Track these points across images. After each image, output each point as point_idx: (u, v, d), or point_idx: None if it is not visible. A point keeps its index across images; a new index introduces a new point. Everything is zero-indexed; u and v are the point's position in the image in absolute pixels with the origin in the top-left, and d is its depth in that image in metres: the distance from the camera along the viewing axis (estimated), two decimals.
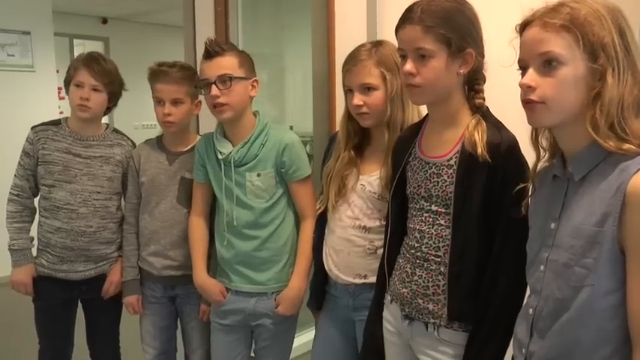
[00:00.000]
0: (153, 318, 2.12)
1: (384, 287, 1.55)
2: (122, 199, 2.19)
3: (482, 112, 1.39)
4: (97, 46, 7.52)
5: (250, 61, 1.89)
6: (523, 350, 1.15)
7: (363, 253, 1.71)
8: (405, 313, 1.46)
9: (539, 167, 1.19)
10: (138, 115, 7.59)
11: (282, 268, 1.90)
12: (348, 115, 1.71)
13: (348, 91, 1.68)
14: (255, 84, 1.88)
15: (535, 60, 1.05)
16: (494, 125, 1.36)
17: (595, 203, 1.01)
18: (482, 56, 1.38)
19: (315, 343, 1.87)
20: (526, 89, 1.06)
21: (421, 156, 1.47)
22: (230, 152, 1.87)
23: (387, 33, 1.89)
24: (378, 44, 1.68)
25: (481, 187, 1.32)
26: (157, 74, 2.00)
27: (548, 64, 1.03)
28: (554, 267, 1.08)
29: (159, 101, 1.99)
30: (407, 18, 1.35)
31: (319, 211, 1.80)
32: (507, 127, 1.37)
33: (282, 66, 1.91)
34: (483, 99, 1.40)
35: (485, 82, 1.42)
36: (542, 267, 1.11)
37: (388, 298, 1.54)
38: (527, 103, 1.06)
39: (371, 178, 1.70)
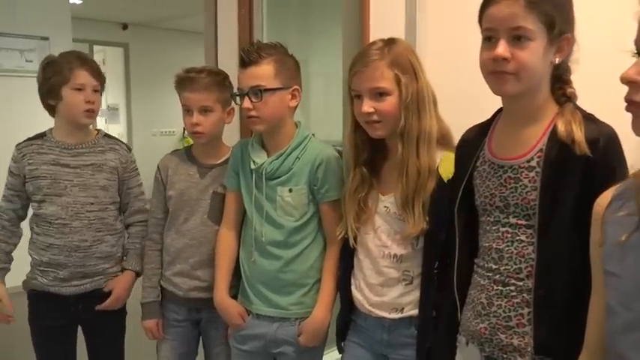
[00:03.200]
0: (173, 343, 1.98)
1: (454, 327, 1.35)
2: (120, 208, 2.08)
3: (575, 99, 1.20)
4: (117, 52, 7.53)
5: (292, 67, 1.74)
6: None
7: (399, 285, 1.53)
8: (486, 354, 1.25)
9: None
10: (157, 122, 7.61)
11: (306, 292, 1.76)
12: (355, 126, 1.53)
13: (356, 97, 1.50)
14: (296, 93, 1.74)
15: None
16: (588, 117, 1.16)
17: None
18: (574, 42, 1.20)
19: None
20: (630, 85, 0.83)
21: (493, 159, 1.26)
22: (263, 163, 1.74)
23: (428, 37, 1.76)
24: (390, 42, 1.50)
25: (574, 191, 1.11)
26: (183, 81, 1.88)
27: None
28: None
29: (187, 110, 1.88)
30: None
31: (339, 237, 1.64)
32: None
33: (309, 72, 1.78)
34: (574, 89, 1.21)
35: (571, 73, 1.23)
36: None
37: (463, 339, 1.33)
38: (628, 104, 0.84)
39: (394, 197, 1.52)
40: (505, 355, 1.21)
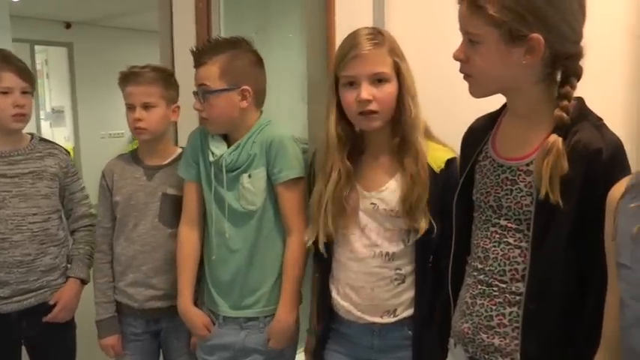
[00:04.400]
0: (133, 358, 1.87)
1: (447, 330, 1.28)
2: (62, 216, 1.98)
3: (563, 123, 1.08)
4: (60, 52, 7.27)
5: (244, 65, 1.65)
6: None
7: (391, 285, 1.46)
8: (470, 355, 1.20)
9: None
10: (105, 124, 7.39)
11: (271, 288, 1.67)
12: (338, 118, 1.45)
13: (348, 85, 1.40)
14: (246, 93, 1.64)
15: None
16: (594, 125, 1.09)
17: None
18: (570, 42, 1.09)
19: None
20: None
21: (493, 155, 1.19)
22: (222, 155, 1.66)
23: (397, 31, 1.70)
24: (377, 29, 1.45)
25: (575, 200, 1.05)
26: (127, 77, 1.81)
27: None
28: None
29: (130, 107, 1.81)
30: None
31: (307, 244, 1.54)
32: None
33: (269, 67, 1.71)
34: (564, 108, 1.09)
35: (579, 76, 1.12)
36: None
37: (452, 341, 1.28)
38: None
39: (383, 194, 1.45)
40: (487, 356, 1.17)
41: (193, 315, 1.72)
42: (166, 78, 1.84)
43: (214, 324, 1.71)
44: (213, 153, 1.67)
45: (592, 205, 1.03)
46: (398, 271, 1.45)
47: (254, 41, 1.70)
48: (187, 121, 1.95)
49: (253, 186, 1.64)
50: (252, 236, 1.66)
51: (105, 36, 7.20)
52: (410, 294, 1.45)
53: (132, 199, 1.83)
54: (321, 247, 1.48)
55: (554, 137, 1.06)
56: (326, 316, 1.55)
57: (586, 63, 1.11)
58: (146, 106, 1.78)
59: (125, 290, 1.84)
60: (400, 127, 1.41)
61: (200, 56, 1.63)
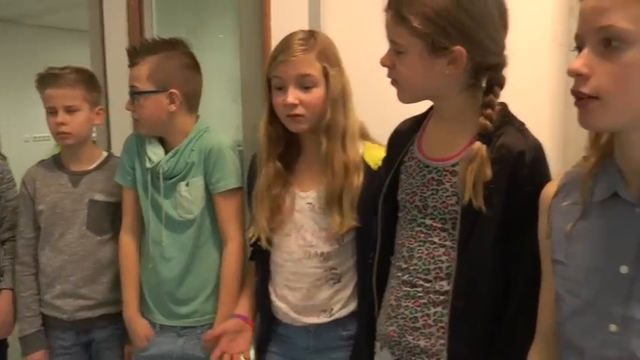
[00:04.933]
0: None
1: (373, 332, 1.29)
2: None
3: (487, 131, 1.11)
4: None
5: (174, 67, 1.61)
6: None
7: (327, 285, 1.46)
8: (396, 358, 1.21)
9: (566, 179, 0.95)
10: (29, 127, 7.06)
11: (207, 297, 1.65)
12: (270, 119, 1.46)
13: (278, 88, 1.41)
14: (174, 96, 1.60)
15: (592, 37, 0.78)
16: (517, 129, 1.12)
17: None
18: (492, 54, 1.13)
19: None
20: (575, 77, 0.79)
21: (420, 156, 1.21)
22: (159, 162, 1.62)
23: (331, 29, 1.72)
24: (313, 33, 1.45)
25: (500, 201, 1.07)
26: (46, 79, 1.75)
27: (608, 43, 0.76)
28: None
29: (51, 110, 1.74)
30: (387, 3, 1.12)
31: (252, 241, 1.52)
32: None
33: (203, 69, 1.68)
34: (488, 117, 1.11)
35: (502, 85, 1.15)
36: (613, 326, 0.83)
37: (378, 344, 1.28)
38: (577, 97, 0.80)
39: (318, 193, 1.46)
40: (413, 358, 1.18)
41: (139, 325, 1.69)
42: (89, 80, 1.79)
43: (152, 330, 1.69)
44: (150, 159, 1.63)
45: (517, 207, 1.06)
46: (333, 271, 1.46)
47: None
48: (121, 124, 1.89)
49: (191, 194, 1.62)
50: (189, 245, 1.63)
51: (27, 34, 6.89)
52: (346, 293, 1.45)
53: (57, 208, 1.77)
54: (264, 244, 1.48)
55: (478, 144, 1.08)
56: (266, 318, 1.55)
57: (515, 71, 1.15)
58: (69, 110, 1.73)
59: (52, 302, 1.77)
60: (319, 129, 1.42)
61: (134, 56, 1.61)
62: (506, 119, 1.13)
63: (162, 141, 1.67)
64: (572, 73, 0.79)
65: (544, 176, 1.08)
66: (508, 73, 1.15)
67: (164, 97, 1.59)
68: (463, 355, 1.12)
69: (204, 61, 1.69)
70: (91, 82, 1.79)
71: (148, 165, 1.63)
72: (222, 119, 2.39)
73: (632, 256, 0.81)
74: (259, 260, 1.54)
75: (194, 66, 1.66)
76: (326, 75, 1.40)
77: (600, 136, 0.88)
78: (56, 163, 1.82)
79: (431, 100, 1.19)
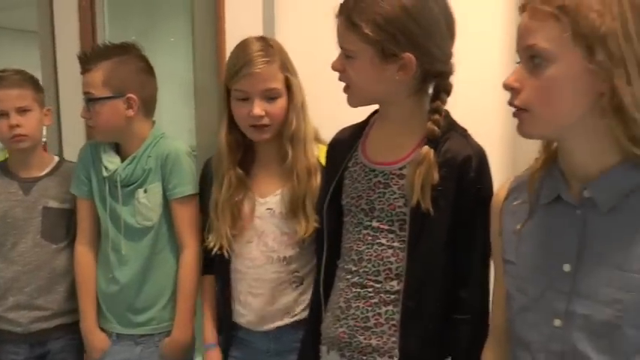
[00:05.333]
0: None
1: (318, 336, 1.30)
2: None
3: (435, 136, 1.15)
4: None
5: (130, 72, 1.60)
6: None
7: (290, 289, 1.48)
8: (346, 359, 1.22)
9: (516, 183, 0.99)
10: None
11: (164, 306, 1.65)
12: (229, 127, 1.47)
13: (241, 100, 1.42)
14: (132, 101, 1.59)
15: (522, 54, 0.84)
16: (461, 135, 1.17)
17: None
18: (439, 61, 1.16)
19: None
20: (510, 91, 0.85)
21: (365, 161, 1.23)
22: (116, 170, 1.60)
23: (285, 32, 1.73)
24: (267, 41, 1.46)
25: (449, 205, 1.11)
26: None
27: (532, 60, 0.83)
28: (587, 325, 0.85)
29: (1, 114, 1.68)
30: (339, 7, 1.15)
31: (214, 250, 1.50)
32: None
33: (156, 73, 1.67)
34: (436, 121, 1.15)
35: (449, 91, 1.19)
36: (557, 321, 0.88)
37: (324, 348, 1.28)
38: (513, 109, 0.86)
39: (278, 197, 1.48)
40: (364, 357, 1.19)
41: (96, 338, 1.67)
42: (32, 80, 1.74)
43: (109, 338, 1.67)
44: (106, 168, 1.61)
45: (465, 210, 1.11)
46: (296, 274, 1.47)
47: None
48: (73, 128, 1.85)
49: (149, 201, 1.61)
50: (146, 253, 1.62)
51: None
52: (308, 295, 1.46)
53: (8, 217, 1.71)
54: (225, 252, 1.48)
55: (426, 149, 1.12)
56: (226, 325, 1.55)
57: (468, 78, 1.20)
58: (21, 111, 1.68)
59: (4, 316, 1.72)
60: (284, 138, 1.45)
61: (86, 62, 1.58)
62: (451, 126, 1.17)
63: (117, 149, 1.65)
64: (506, 88, 0.85)
65: (488, 181, 1.14)
66: (463, 80, 1.18)
67: (121, 102, 1.58)
68: (415, 353, 1.15)
69: (156, 64, 1.68)
70: (36, 83, 1.75)
71: (105, 174, 1.62)
72: (174, 124, 2.36)
73: (573, 255, 0.86)
74: (218, 270, 1.54)
75: (149, 70, 1.65)
76: (288, 85, 1.43)
77: (550, 143, 0.93)
78: (3, 169, 1.76)
79: (379, 104, 1.22)
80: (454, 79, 1.18)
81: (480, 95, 1.43)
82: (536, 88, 0.82)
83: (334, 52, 1.20)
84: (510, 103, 0.86)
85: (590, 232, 0.85)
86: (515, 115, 0.86)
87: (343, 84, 1.20)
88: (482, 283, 1.11)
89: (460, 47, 1.17)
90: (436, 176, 1.10)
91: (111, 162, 1.62)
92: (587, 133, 0.83)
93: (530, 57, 0.83)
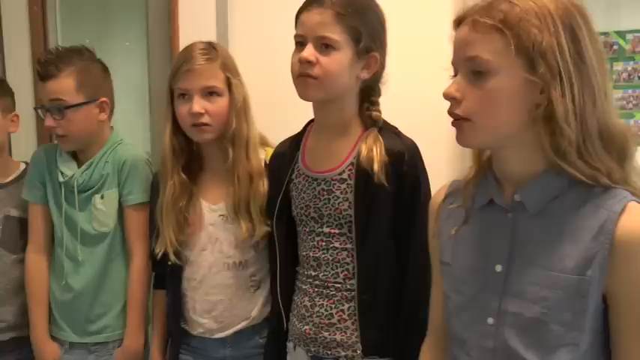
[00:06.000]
0: None
1: (282, 334, 1.34)
2: None
3: (379, 127, 1.25)
4: None
5: (98, 75, 1.59)
6: None
7: (248, 293, 1.48)
8: (312, 354, 1.28)
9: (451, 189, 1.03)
10: None
11: (118, 313, 1.63)
12: (173, 130, 1.45)
13: (181, 96, 1.41)
14: (104, 105, 1.58)
15: (462, 65, 0.87)
16: (394, 132, 1.25)
17: (566, 244, 0.84)
18: (384, 67, 1.26)
19: None
20: (450, 101, 0.87)
21: (307, 172, 1.29)
22: (73, 175, 1.58)
23: (239, 38, 1.75)
24: (213, 44, 1.47)
25: (388, 200, 1.18)
26: None
27: (475, 72, 0.85)
28: (517, 322, 0.88)
29: None
30: (316, 0, 1.19)
31: (159, 256, 1.48)
32: None
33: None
34: (380, 112, 1.26)
35: (380, 95, 1.29)
36: (490, 319, 0.91)
37: (291, 345, 1.33)
38: (453, 118, 0.88)
39: (227, 204, 1.47)
40: (329, 352, 1.26)
41: (47, 349, 1.63)
42: None
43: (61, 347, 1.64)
44: (62, 173, 1.59)
45: (402, 204, 1.19)
46: (253, 278, 1.48)
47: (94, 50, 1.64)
48: (23, 134, 1.81)
49: (106, 207, 1.60)
50: (102, 259, 1.61)
51: None
52: (265, 299, 1.48)
53: None
54: (172, 258, 1.46)
55: (372, 130, 1.22)
56: (177, 336, 1.53)
57: (419, 88, 1.31)
58: None
59: None
60: (225, 139, 1.43)
61: (48, 68, 1.52)
62: (383, 124, 1.26)
63: (73, 153, 1.63)
64: (447, 97, 0.88)
65: (422, 172, 1.22)
66: (416, 89, 1.25)
67: (94, 107, 1.57)
68: (373, 342, 1.22)
69: (112, 69, 1.67)
70: (1, 88, 1.70)
71: (61, 179, 1.59)
72: (132, 129, 2.34)
73: (505, 256, 0.90)
74: (170, 282, 1.52)
75: (108, 72, 1.64)
76: (229, 85, 1.42)
77: (482, 152, 0.97)
78: None
79: (332, 102, 1.24)
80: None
81: (429, 106, 1.47)
82: (479, 98, 0.85)
83: (288, 53, 1.24)
84: (451, 113, 0.88)
85: (520, 235, 0.89)
86: (454, 124, 0.89)
87: (296, 83, 1.23)
88: (423, 277, 1.14)
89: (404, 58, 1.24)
90: (384, 155, 1.18)
91: (68, 167, 1.60)
92: (521, 141, 0.87)
93: (472, 68, 0.85)
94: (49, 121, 1.53)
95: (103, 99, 1.58)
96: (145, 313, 1.64)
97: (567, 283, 0.84)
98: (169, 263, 1.47)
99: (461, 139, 0.89)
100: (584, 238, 0.83)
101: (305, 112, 1.31)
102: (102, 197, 1.59)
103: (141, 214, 1.60)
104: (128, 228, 1.60)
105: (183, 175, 1.45)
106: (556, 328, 0.84)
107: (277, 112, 1.57)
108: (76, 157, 1.63)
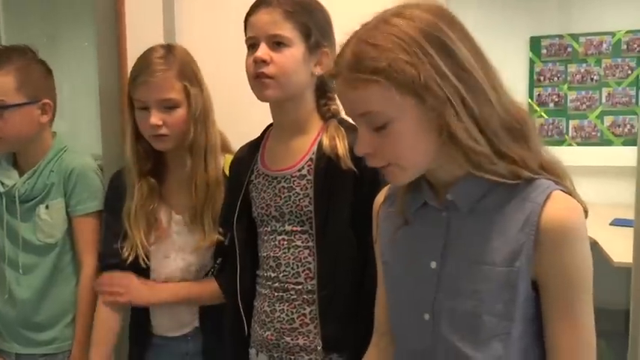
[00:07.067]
0: None
1: (241, 341, 1.32)
2: None
3: (338, 119, 1.26)
4: None
5: (41, 76, 1.53)
6: None
7: None
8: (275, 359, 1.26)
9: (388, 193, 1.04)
10: None
11: (68, 324, 1.58)
12: (136, 136, 1.44)
13: (141, 109, 1.40)
14: (47, 107, 1.53)
15: (360, 121, 0.87)
16: (352, 128, 1.21)
17: (495, 238, 0.86)
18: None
19: None
20: (366, 157, 0.89)
21: (266, 171, 1.29)
22: (15, 185, 1.52)
23: (186, 38, 1.72)
24: (171, 49, 1.44)
25: (348, 193, 1.19)
26: None
27: (374, 124, 0.85)
28: (451, 316, 0.90)
29: None
30: (263, 2, 1.20)
31: (128, 261, 1.45)
32: None
33: (57, 78, 1.60)
34: (337, 106, 1.26)
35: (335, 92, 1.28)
36: (427, 315, 0.93)
37: (253, 351, 1.31)
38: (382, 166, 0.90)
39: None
40: (292, 357, 1.24)
41: None
42: None
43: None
44: (3, 183, 1.53)
45: (361, 200, 1.17)
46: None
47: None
48: None
49: (52, 217, 1.54)
50: (48, 269, 1.56)
51: None
52: None
53: None
54: (142, 261, 1.45)
55: (331, 121, 1.24)
56: (142, 336, 1.52)
57: None
58: None
59: None
60: (183, 148, 1.42)
61: None
62: (341, 120, 1.26)
63: (13, 161, 1.57)
64: (361, 155, 0.89)
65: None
66: None
67: (35, 108, 1.51)
68: (334, 337, 1.20)
69: (61, 70, 1.61)
70: None
71: (1, 189, 1.53)
72: (85, 131, 2.28)
73: (439, 253, 0.92)
74: None
75: (51, 73, 1.58)
76: (187, 94, 1.40)
77: None
78: None
79: (290, 100, 1.24)
80: None
81: None
82: (389, 145, 0.85)
83: (236, 53, 1.24)
84: (372, 164, 0.89)
85: (453, 232, 0.91)
86: (383, 171, 0.90)
87: (247, 84, 1.23)
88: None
89: None
90: (345, 142, 1.19)
91: (8, 177, 1.54)
92: (442, 159, 0.88)
93: (370, 124, 0.85)
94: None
95: (46, 100, 1.52)
96: (91, 321, 1.57)
97: (497, 276, 0.85)
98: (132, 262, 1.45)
99: (392, 180, 0.92)
100: (511, 231, 0.85)
101: (258, 111, 1.29)
102: (46, 207, 1.54)
103: (90, 223, 1.56)
104: (77, 238, 1.56)
105: (151, 179, 1.45)
106: (488, 319, 0.86)
107: (231, 113, 1.54)
108: (17, 164, 1.57)
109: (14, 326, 1.57)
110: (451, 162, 0.87)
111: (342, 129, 1.23)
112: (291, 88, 1.22)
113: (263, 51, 1.18)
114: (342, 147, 1.19)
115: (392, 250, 1.01)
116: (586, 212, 0.87)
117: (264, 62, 1.18)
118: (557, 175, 0.89)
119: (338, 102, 1.24)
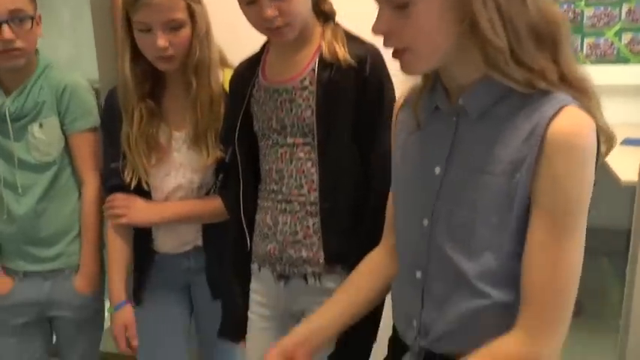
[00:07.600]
0: None
1: (245, 257, 1.34)
2: None
3: (335, 22, 1.23)
4: None
5: None
6: (414, 322, 0.96)
7: None
8: (278, 273, 1.28)
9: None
10: None
11: (72, 239, 1.61)
12: (133, 56, 1.40)
13: (143, 31, 1.34)
14: (38, 20, 1.49)
15: (383, 1, 0.84)
16: (354, 38, 1.21)
17: (499, 148, 0.83)
18: None
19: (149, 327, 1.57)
20: (381, 36, 0.85)
21: (267, 84, 1.26)
22: (3, 103, 1.50)
23: None
24: None
25: (350, 105, 1.16)
26: None
27: (398, 4, 0.81)
28: (447, 224, 0.89)
29: None
30: None
31: (132, 185, 1.46)
32: None
33: (53, 2, 1.53)
34: (331, 4, 1.23)
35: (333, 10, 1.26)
36: (425, 221, 0.92)
37: (255, 266, 1.33)
38: (392, 51, 0.87)
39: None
40: (296, 269, 1.25)
41: None
42: None
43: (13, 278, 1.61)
44: None
45: (365, 109, 1.16)
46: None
47: None
48: None
49: (46, 136, 1.53)
50: (45, 185, 1.56)
51: None
52: None
53: None
54: (145, 185, 1.46)
55: (328, 24, 1.21)
56: (144, 253, 1.56)
57: None
58: None
59: None
60: (189, 68, 1.40)
61: None
62: (344, 31, 1.22)
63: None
64: (376, 34, 0.85)
65: (386, 78, 1.18)
66: None
67: (37, 21, 1.48)
68: (336, 250, 1.21)
69: None
70: None
71: None
72: (84, 57, 2.22)
73: (444, 159, 0.90)
74: None
75: None
76: (191, 12, 1.36)
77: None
78: None
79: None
80: None
81: None
82: (409, 26, 0.82)
83: None
84: (386, 46, 0.86)
85: (460, 138, 0.89)
86: (394, 56, 0.87)
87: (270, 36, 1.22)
88: (384, 181, 1.11)
89: None
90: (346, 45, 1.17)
91: None
92: (458, 54, 0.85)
93: (392, 3, 0.82)
94: (7, 34, 1.40)
95: (39, 13, 1.49)
96: (100, 239, 1.62)
97: (496, 186, 0.83)
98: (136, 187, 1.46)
99: (405, 69, 0.88)
100: (515, 141, 0.82)
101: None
102: (40, 126, 1.52)
103: (88, 140, 1.55)
104: (75, 155, 1.56)
105: (151, 102, 1.42)
106: (482, 231, 0.85)
107: (227, 26, 1.48)
108: (1, 83, 1.53)
109: (18, 244, 1.59)
110: (467, 58, 0.84)
111: (341, 31, 1.20)
112: (304, 19, 1.19)
113: (270, 9, 1.12)
114: (341, 48, 1.16)
115: (403, 153, 1.00)
116: (612, 140, 0.83)
117: (274, 17, 1.13)
118: (582, 92, 0.83)
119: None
